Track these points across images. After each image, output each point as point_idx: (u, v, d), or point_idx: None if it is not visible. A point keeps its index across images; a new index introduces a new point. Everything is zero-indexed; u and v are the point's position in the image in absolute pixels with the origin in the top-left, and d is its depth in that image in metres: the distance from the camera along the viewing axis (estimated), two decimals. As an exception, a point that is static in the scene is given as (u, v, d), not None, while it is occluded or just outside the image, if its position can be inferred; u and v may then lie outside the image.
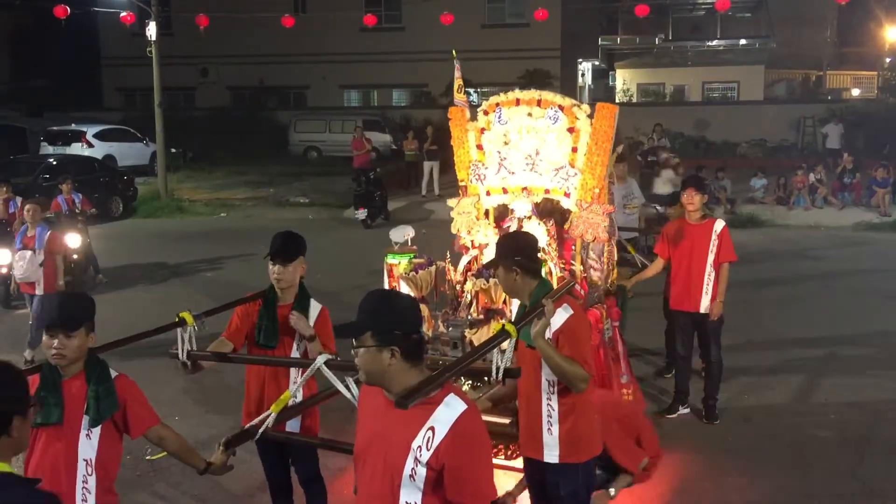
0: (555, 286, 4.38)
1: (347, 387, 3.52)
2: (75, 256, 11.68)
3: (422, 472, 2.54)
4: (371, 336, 2.60)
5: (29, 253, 8.50)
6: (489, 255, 5.80)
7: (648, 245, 9.33)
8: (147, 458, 5.97)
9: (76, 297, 3.67)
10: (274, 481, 4.69)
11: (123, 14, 19.49)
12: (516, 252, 3.86)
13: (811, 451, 6.23)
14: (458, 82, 6.36)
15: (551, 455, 3.81)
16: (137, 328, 4.08)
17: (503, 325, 3.53)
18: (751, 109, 29.12)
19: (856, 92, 35.29)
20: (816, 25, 35.67)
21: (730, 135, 27.02)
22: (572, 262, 5.67)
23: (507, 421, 4.89)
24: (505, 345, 3.48)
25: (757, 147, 26.51)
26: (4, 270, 10.24)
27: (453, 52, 6.55)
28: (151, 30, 19.66)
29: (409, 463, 2.55)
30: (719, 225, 6.59)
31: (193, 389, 7.43)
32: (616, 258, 6.14)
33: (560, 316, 3.69)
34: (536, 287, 3.84)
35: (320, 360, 3.73)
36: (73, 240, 11.63)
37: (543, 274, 4.14)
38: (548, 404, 3.79)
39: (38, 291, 8.48)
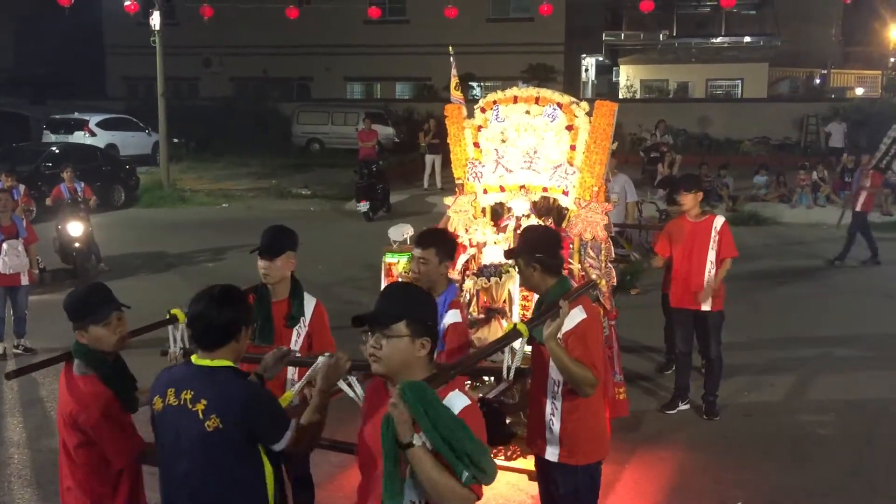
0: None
1: (350, 385, 3.37)
2: (77, 245, 11.71)
3: None
4: (406, 325, 2.54)
5: (18, 242, 8.27)
6: (488, 253, 5.77)
7: (647, 240, 9.32)
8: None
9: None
10: None
11: (127, 3, 19.42)
12: (538, 248, 3.79)
13: (811, 447, 6.24)
14: (454, 80, 6.30)
15: (552, 453, 3.80)
16: (137, 317, 4.04)
17: (515, 325, 3.47)
18: (754, 107, 29.04)
19: (860, 91, 35.16)
20: (821, 24, 35.56)
21: (733, 132, 26.95)
22: (570, 260, 5.65)
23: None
24: (516, 344, 3.42)
25: (760, 145, 26.44)
26: None
27: (450, 48, 6.48)
28: (155, 19, 19.62)
29: None
30: (719, 221, 6.60)
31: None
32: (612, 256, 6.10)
33: (574, 317, 3.60)
34: (555, 285, 3.78)
35: (322, 360, 3.47)
36: (74, 228, 11.66)
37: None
38: (552, 403, 3.76)
39: (24, 282, 8.37)
